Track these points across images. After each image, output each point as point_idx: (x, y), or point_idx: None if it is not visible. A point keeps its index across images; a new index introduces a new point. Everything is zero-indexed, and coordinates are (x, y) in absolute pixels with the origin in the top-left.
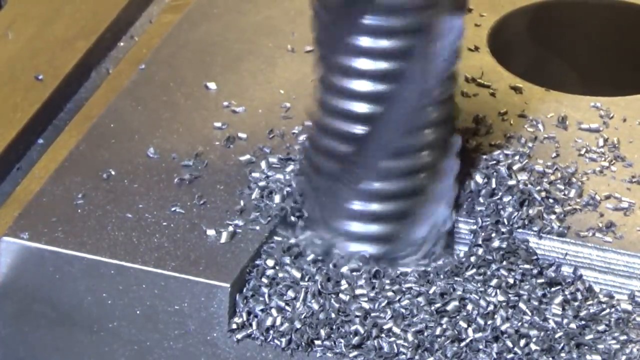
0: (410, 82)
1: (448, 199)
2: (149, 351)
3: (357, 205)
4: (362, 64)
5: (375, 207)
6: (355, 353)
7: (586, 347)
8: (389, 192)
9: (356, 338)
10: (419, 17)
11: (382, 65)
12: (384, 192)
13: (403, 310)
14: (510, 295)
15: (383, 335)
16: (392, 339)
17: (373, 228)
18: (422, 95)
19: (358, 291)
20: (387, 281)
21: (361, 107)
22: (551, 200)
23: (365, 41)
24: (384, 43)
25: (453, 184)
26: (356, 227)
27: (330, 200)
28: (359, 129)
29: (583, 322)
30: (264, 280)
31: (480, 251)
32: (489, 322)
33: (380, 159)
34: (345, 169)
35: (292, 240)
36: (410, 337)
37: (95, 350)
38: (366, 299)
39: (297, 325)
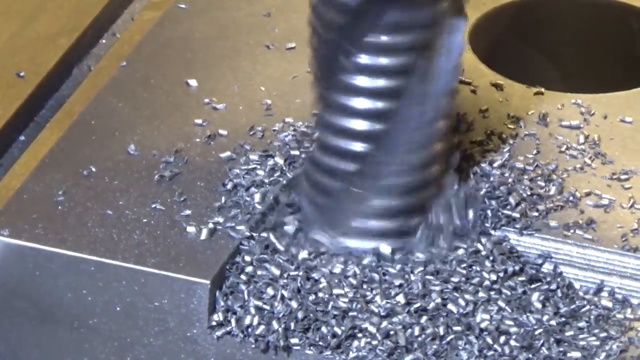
0: (411, 100)
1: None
2: (129, 347)
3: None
4: (362, 81)
5: (373, 223)
6: (333, 353)
7: (566, 344)
8: (391, 209)
9: (334, 339)
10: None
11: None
12: (386, 208)
13: (381, 310)
14: (490, 292)
15: (361, 335)
16: (369, 339)
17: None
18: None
19: (336, 291)
20: (366, 279)
21: (362, 125)
22: (532, 197)
23: (364, 59)
24: (383, 61)
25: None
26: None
27: (334, 213)
28: (360, 147)
29: (563, 319)
30: (243, 277)
31: (461, 249)
32: (470, 319)
33: (383, 176)
34: (348, 186)
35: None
36: (388, 336)
37: (76, 346)
38: (346, 299)
39: (275, 324)
